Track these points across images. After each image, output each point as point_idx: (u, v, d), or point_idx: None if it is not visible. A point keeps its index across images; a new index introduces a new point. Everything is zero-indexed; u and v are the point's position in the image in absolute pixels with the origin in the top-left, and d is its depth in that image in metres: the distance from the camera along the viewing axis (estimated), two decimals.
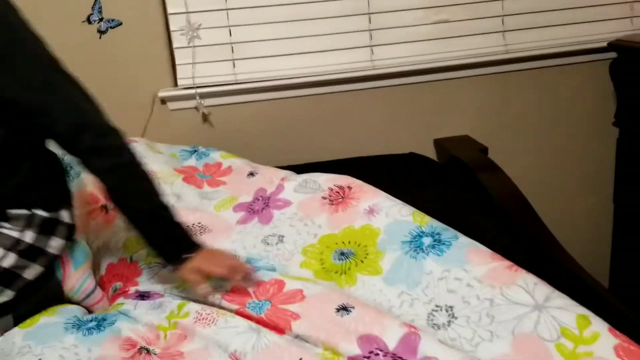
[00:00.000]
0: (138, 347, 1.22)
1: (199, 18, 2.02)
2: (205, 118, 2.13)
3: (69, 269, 1.38)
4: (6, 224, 1.26)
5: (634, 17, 2.26)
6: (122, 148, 1.26)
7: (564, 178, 2.40)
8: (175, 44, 2.06)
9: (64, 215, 1.34)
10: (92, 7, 2.00)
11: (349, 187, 1.54)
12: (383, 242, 1.38)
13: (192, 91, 2.06)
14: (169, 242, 1.30)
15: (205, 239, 1.40)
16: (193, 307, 1.30)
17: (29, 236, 1.27)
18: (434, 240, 1.34)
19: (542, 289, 1.16)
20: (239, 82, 2.10)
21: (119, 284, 1.46)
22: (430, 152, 2.25)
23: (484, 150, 2.12)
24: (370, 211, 1.46)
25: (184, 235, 1.31)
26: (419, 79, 2.20)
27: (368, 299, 1.28)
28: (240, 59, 2.09)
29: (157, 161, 1.79)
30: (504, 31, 2.20)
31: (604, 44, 2.16)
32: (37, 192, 1.29)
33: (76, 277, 1.39)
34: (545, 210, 2.29)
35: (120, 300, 1.40)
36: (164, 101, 2.11)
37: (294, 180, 1.64)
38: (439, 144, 2.24)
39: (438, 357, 1.06)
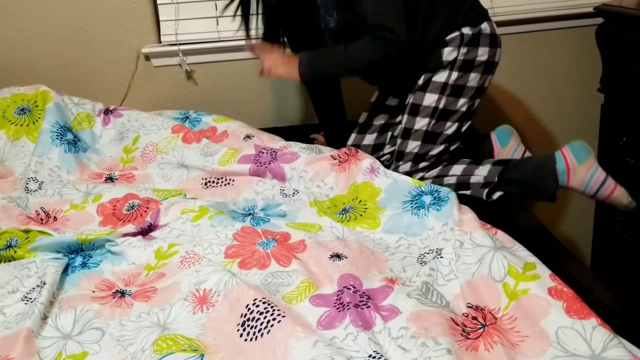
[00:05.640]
0: (113, 290, 1.27)
1: None
2: (188, 75, 2.15)
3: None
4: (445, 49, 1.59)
5: None
6: None
7: (547, 143, 2.40)
8: (159, 0, 2.06)
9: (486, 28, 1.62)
10: None
11: (357, 150, 1.62)
12: (383, 200, 1.47)
13: (175, 48, 2.07)
14: None
15: (232, 190, 1.59)
16: (183, 248, 1.36)
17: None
18: (434, 198, 1.41)
19: (505, 238, 1.23)
20: (222, 39, 2.11)
21: (136, 202, 1.56)
22: None
23: None
24: (372, 170, 1.54)
25: None
26: None
27: (365, 241, 1.37)
28: (223, 16, 2.09)
29: (154, 127, 1.84)
30: None
31: (591, 9, 2.15)
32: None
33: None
34: None
35: (124, 229, 1.46)
36: (148, 57, 2.12)
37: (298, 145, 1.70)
38: None
39: (398, 307, 1.12)
